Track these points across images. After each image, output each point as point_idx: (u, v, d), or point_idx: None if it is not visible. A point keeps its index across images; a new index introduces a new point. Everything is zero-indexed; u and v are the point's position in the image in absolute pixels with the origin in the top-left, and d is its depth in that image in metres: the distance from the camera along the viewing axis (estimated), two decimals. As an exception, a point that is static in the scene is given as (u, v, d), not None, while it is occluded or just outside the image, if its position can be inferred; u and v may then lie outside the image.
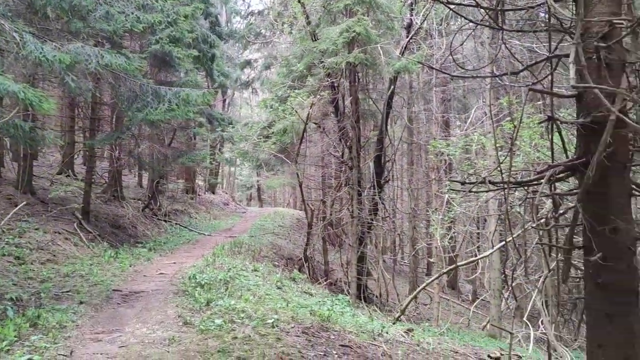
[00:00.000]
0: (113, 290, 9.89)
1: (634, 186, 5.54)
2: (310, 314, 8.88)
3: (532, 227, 5.89)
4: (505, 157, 5.38)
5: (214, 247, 15.93)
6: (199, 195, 29.85)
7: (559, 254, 6.03)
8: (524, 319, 16.78)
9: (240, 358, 5.98)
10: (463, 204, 13.81)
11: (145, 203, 21.23)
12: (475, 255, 16.72)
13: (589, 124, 5.06)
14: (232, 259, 13.81)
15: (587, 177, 4.99)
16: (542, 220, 6.40)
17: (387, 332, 9.74)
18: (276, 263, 15.44)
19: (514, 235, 10.48)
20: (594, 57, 4.98)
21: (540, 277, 12.06)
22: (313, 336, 7.35)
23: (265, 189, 42.66)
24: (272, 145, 15.29)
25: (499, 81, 12.02)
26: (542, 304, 15.20)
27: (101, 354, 6.16)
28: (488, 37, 13.56)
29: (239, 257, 14.57)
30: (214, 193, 34.35)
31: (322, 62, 13.67)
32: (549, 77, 5.87)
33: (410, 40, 15.07)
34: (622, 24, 4.71)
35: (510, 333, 6.56)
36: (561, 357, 13.69)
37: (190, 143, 25.55)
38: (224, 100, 36.01)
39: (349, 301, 13.01)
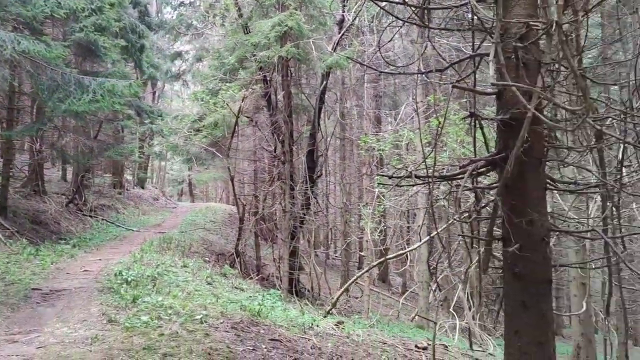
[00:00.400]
0: (32, 289, 9.42)
1: (548, 180, 5.85)
2: (241, 309, 8.81)
3: (455, 220, 6.10)
4: (430, 152, 5.53)
5: (142, 243, 15.50)
6: (127, 190, 28.93)
7: (481, 246, 6.26)
8: (451, 309, 17.41)
9: (167, 355, 5.86)
10: (393, 198, 14.11)
11: (70, 198, 20.35)
12: (405, 249, 17.13)
13: (508, 121, 5.29)
14: (161, 255, 13.49)
15: (506, 171, 5.21)
16: (465, 213, 6.64)
17: (317, 326, 9.83)
18: (207, 259, 15.22)
19: (440, 229, 10.82)
20: (513, 56, 5.20)
21: (466, 269, 12.52)
22: (242, 331, 7.30)
23: (197, 184, 41.89)
24: (203, 138, 15.03)
25: (426, 78, 12.35)
26: (467, 295, 15.80)
27: (17, 355, 5.85)
28: (418, 36, 13.89)
29: (168, 253, 14.26)
30: (143, 188, 33.39)
31: (254, 55, 13.55)
32: (473, 75, 6.10)
33: (343, 37, 15.19)
34: (537, 26, 4.93)
35: (434, 322, 6.76)
36: (485, 345, 14.29)
37: (118, 136, 24.69)
38: (154, 93, 35.04)
39: (280, 296, 13.01)
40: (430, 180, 5.86)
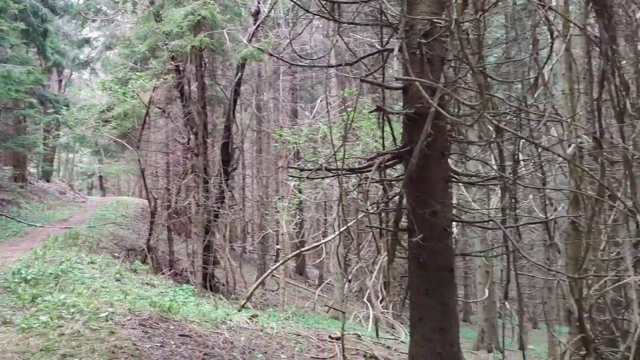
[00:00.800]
0: None
1: (451, 173, 6.09)
2: (150, 305, 8.55)
3: (363, 212, 6.23)
4: (340, 146, 5.59)
5: (46, 239, 14.66)
6: (30, 183, 27.21)
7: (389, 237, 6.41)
8: (365, 299, 17.81)
9: (66, 355, 5.58)
10: (308, 191, 14.20)
11: (-37, 192, 18.88)
12: (321, 241, 17.31)
13: (412, 115, 5.45)
14: (66, 252, 12.81)
15: (411, 164, 5.37)
16: (374, 205, 6.80)
17: (231, 320, 9.72)
18: (117, 254, 14.64)
19: (353, 221, 11.03)
20: (417, 52, 5.36)
21: (374, 259, 12.83)
22: (151, 327, 7.09)
23: (107, 177, 40.14)
24: (112, 130, 14.41)
25: (337, 72, 12.47)
26: (380, 284, 16.21)
27: None
28: (333, 30, 14.01)
29: (74, 249, 13.57)
30: (48, 181, 31.55)
31: (167, 44, 13.15)
32: (381, 69, 6.23)
33: (258, 28, 15.06)
34: (440, 23, 5.11)
35: (342, 312, 6.87)
36: (398, 333, 14.73)
37: (19, 126, 23.16)
38: (60, 81, 33.13)
39: (194, 291, 12.77)
40: (339, 173, 5.94)
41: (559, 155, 5.40)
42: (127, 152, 18.39)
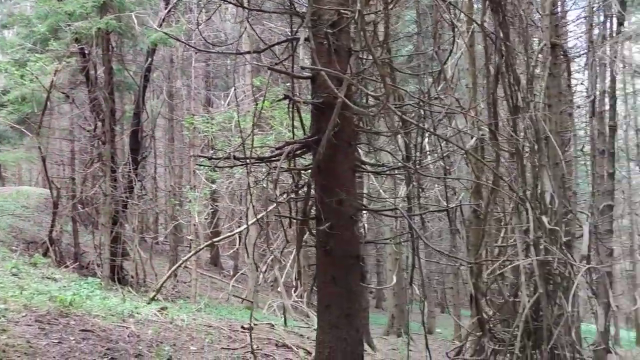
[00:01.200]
0: None
1: (358, 162, 6.21)
2: (50, 300, 8.11)
3: (272, 201, 6.22)
4: (249, 135, 5.54)
5: None
6: None
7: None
8: (279, 289, 17.87)
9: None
10: (221, 180, 14.00)
11: None
12: (234, 231, 17.13)
13: (320, 105, 5.50)
14: (-44, 246, 11.91)
15: (318, 153, 5.42)
16: (284, 194, 6.80)
17: (138, 313, 9.45)
18: (14, 247, 13.76)
19: (266, 211, 11.00)
20: (325, 42, 5.40)
21: (282, 248, 12.90)
22: (48, 324, 6.74)
23: (8, 166, 37.55)
24: (9, 115, 13.45)
25: (251, 60, 12.36)
26: (295, 274, 16.32)
27: None
28: (247, 17, 13.78)
29: (-35, 243, 12.63)
30: (-64, 170, 29.07)
31: (69, 25, 12.42)
32: (292, 58, 6.21)
33: (170, 13, 14.58)
34: (347, 14, 5.17)
35: (251, 302, 6.85)
36: (312, 321, 14.91)
37: None
38: (-49, 61, 30.52)
39: (100, 284, 12.26)
40: (248, 162, 5.90)
41: (458, 147, 5.64)
42: (26, 139, 17.26)
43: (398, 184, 11.58)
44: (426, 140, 7.72)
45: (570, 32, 15.85)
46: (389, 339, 15.66)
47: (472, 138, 7.34)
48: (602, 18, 12.23)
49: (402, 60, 17.46)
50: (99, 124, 13.84)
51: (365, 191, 9.90)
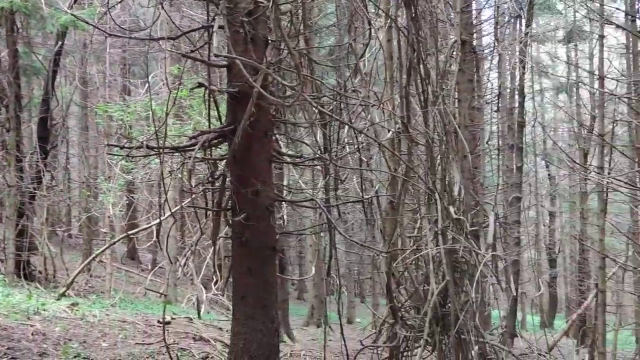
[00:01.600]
0: None
1: (275, 153, 6.19)
2: (-57, 299, 7.57)
3: (185, 191, 6.09)
4: (163, 124, 5.38)
5: None
6: None
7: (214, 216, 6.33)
8: (198, 282, 17.57)
9: None
10: (138, 171, 13.53)
11: None
12: (150, 223, 16.64)
13: (236, 94, 5.43)
14: None
15: (234, 143, 5.36)
16: (200, 185, 6.67)
17: (45, 310, 9.01)
18: None
19: (183, 202, 10.77)
20: (241, 31, 5.33)
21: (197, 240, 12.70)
22: (-58, 323, 6.27)
23: None
24: None
25: (171, 47, 11.98)
26: (215, 266, 16.12)
27: None
28: (161, 2, 13.35)
29: None
30: None
31: (-32, 3, 11.54)
32: (208, 46, 6.08)
33: (82, -6, 13.88)
34: (263, 3, 5.12)
35: (164, 295, 6.69)
36: (231, 314, 14.78)
37: None
38: None
39: (4, 280, 11.59)
40: (161, 151, 5.73)
41: (372, 139, 5.76)
42: None
43: (318, 176, 11.66)
44: (345, 132, 7.82)
45: (485, 30, 16.57)
46: (309, 329, 15.81)
47: (389, 131, 7.52)
48: (511, 19, 12.88)
49: (323, 53, 17.60)
50: (3, 110, 13.00)
51: (285, 183, 9.90)
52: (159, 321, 10.53)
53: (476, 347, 5.44)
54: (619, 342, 16.90)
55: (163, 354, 7.81)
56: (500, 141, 16.84)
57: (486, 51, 14.55)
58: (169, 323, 10.90)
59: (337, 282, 10.65)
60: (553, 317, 25.82)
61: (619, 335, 16.11)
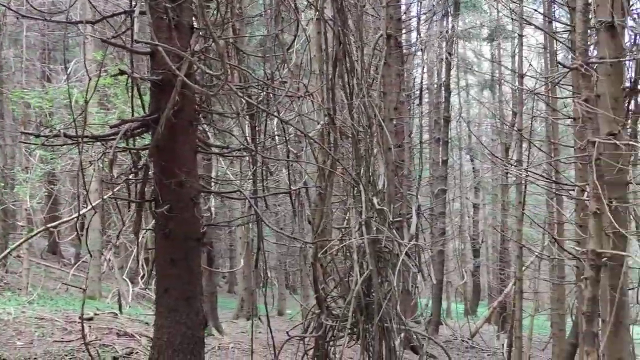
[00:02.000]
0: None
1: (200, 143, 6.08)
2: None
3: (105, 182, 5.87)
4: (82, 112, 5.15)
5: None
6: None
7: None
8: (124, 276, 17.06)
9: None
10: (53, 159, 12.90)
11: None
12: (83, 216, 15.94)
13: (159, 82, 5.28)
14: None
15: (157, 133, 5.22)
16: (123, 176, 6.45)
17: (-49, 309, 8.49)
18: None
19: (108, 194, 10.39)
20: (165, 17, 5.18)
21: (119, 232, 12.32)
22: None
23: None
24: None
25: (81, 31, 11.45)
26: (137, 259, 15.67)
27: None
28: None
29: None
30: None
31: None
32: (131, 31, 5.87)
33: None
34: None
35: (83, 289, 6.46)
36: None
37: None
38: None
39: None
40: (80, 140, 5.49)
41: (299, 130, 5.77)
42: None
43: (247, 168, 11.55)
44: (275, 123, 7.79)
45: (413, 26, 16.93)
46: (238, 322, 15.71)
47: (318, 123, 7.56)
48: (438, 16, 13.24)
49: (255, 44, 17.42)
50: None
51: (213, 174, 9.76)
52: (80, 317, 10.17)
53: (402, 335, 5.59)
54: (536, 327, 17.88)
55: (83, 351, 7.55)
56: (427, 135, 17.33)
57: (414, 47, 14.90)
58: (91, 319, 10.53)
59: (265, 274, 10.63)
60: (477, 304, 26.90)
61: (536, 320, 17.05)
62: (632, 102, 5.71)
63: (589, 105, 4.01)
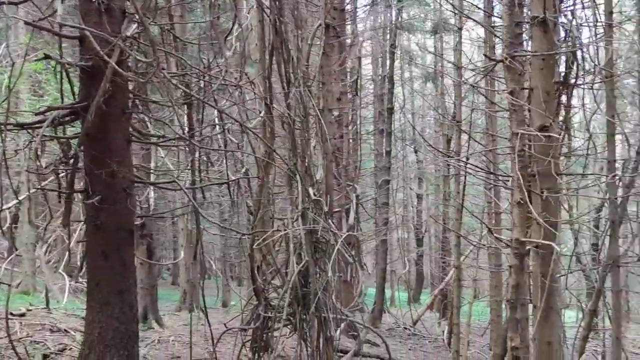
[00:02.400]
0: None
1: (135, 133, 5.91)
2: None
3: (30, 172, 5.62)
4: (6, 98, 4.90)
5: None
6: None
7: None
8: (60, 270, 16.49)
9: None
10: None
11: None
12: (15, 208, 15.23)
13: (88, 69, 5.08)
14: None
15: (87, 121, 5.03)
16: (51, 166, 6.19)
17: None
18: None
19: (35, 184, 9.98)
20: (94, 0, 4.99)
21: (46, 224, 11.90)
22: None
23: None
24: None
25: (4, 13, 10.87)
26: (69, 251, 15.13)
27: None
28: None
29: None
30: None
31: None
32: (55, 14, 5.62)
33: None
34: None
35: (9, 285, 6.19)
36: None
37: None
38: None
39: None
40: (3, 128, 5.23)
41: (235, 120, 5.69)
42: None
43: (187, 158, 11.34)
44: (215, 113, 7.65)
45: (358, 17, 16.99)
46: (181, 314, 15.43)
47: (260, 113, 7.47)
48: (382, 7, 13.33)
49: (198, 32, 17.05)
50: None
51: (152, 164, 9.52)
52: (11, 313, 9.75)
53: (342, 325, 5.63)
54: (477, 314, 18.41)
55: (11, 349, 7.23)
56: (372, 126, 17.47)
57: (357, 38, 14.96)
58: (23, 315, 10.12)
59: (203, 265, 10.49)
60: (420, 293, 27.45)
61: (477, 307, 17.55)
62: (564, 95, 5.91)
63: (513, 97, 4.12)
